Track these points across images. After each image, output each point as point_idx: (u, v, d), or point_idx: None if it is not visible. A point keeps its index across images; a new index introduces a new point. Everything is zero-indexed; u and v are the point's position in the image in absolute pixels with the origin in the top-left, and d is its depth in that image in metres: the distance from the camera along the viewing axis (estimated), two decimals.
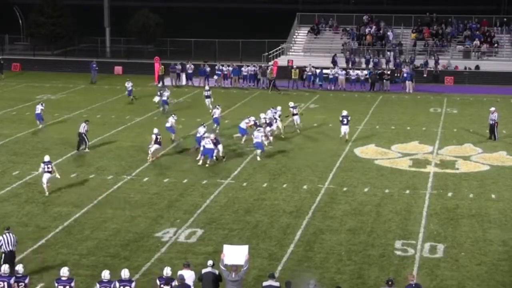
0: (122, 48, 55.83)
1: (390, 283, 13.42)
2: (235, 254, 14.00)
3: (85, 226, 18.94)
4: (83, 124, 26.78)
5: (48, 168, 21.37)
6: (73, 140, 28.36)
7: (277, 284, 13.57)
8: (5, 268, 13.53)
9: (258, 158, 25.37)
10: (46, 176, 21.34)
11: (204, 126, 26.25)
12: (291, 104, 30.59)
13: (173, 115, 28.75)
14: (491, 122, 29.23)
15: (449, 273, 16.14)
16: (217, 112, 29.88)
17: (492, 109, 29.77)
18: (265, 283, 13.57)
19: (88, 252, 17.12)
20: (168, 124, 27.97)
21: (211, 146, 24.46)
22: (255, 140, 25.49)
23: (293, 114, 30.09)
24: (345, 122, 28.23)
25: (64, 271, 13.49)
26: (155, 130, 25.51)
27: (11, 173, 23.65)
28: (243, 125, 27.58)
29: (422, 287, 13.77)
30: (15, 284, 13.47)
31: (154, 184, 22.66)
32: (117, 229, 18.69)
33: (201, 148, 24.88)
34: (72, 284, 13.43)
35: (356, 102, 38.13)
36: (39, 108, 30.62)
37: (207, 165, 24.50)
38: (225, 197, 21.44)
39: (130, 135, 29.49)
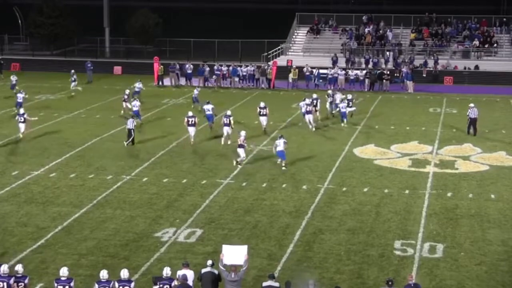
0: (121, 48, 55.82)
1: (390, 283, 13.41)
2: (234, 254, 14.00)
3: (84, 226, 18.94)
4: (131, 120, 27.63)
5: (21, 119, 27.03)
6: (73, 140, 28.39)
7: (277, 284, 13.56)
8: (5, 268, 13.52)
9: (284, 168, 24.12)
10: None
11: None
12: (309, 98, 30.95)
13: (136, 99, 31.46)
14: (472, 117, 29.70)
15: (448, 273, 16.14)
16: (210, 108, 29.96)
17: (471, 105, 30.37)
18: (265, 284, 13.56)
19: (88, 252, 17.12)
20: (135, 108, 30.49)
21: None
22: (278, 149, 24.28)
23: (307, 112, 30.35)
24: (262, 113, 29.37)
25: (64, 271, 13.48)
26: (189, 113, 27.67)
27: (10, 173, 23.64)
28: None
29: (421, 287, 13.78)
30: (15, 284, 13.46)
31: (154, 184, 22.66)
32: (117, 229, 18.69)
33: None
34: (72, 284, 13.42)
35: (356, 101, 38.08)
36: (20, 97, 31.60)
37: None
38: (224, 197, 21.44)
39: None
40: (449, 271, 16.27)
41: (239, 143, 24.34)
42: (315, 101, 31.65)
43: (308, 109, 30.48)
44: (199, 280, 13.98)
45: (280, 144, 24.24)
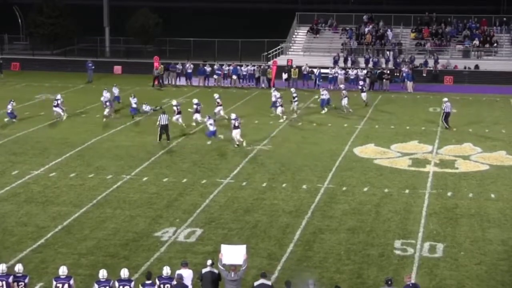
0: (121, 48, 55.82)
1: (389, 282, 13.41)
2: (233, 254, 13.99)
3: (84, 225, 18.93)
4: (166, 116, 28.06)
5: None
6: (72, 139, 28.37)
7: (269, 282, 13.56)
8: (3, 267, 13.52)
9: (220, 137, 26.91)
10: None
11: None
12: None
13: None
14: (447, 111, 30.60)
15: (448, 273, 16.14)
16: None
17: (445, 99, 31.17)
18: (256, 282, 13.52)
19: (88, 252, 17.11)
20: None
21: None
22: (211, 129, 26.84)
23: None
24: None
25: (63, 270, 13.49)
26: (174, 102, 29.92)
27: (10, 173, 23.64)
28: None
29: (420, 287, 13.78)
30: (15, 283, 13.46)
31: (154, 183, 22.65)
32: (117, 229, 18.69)
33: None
34: (71, 282, 13.43)
35: (356, 101, 38.07)
36: (9, 108, 31.28)
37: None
38: (224, 197, 21.44)
39: (130, 134, 29.47)
40: (449, 270, 16.27)
41: (234, 125, 26.55)
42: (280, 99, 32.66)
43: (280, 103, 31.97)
44: (199, 280, 13.98)
45: (211, 125, 26.52)
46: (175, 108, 29.88)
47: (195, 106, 30.72)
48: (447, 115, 30.86)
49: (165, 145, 27.40)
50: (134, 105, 32.52)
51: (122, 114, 33.39)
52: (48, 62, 51.15)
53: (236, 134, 27.08)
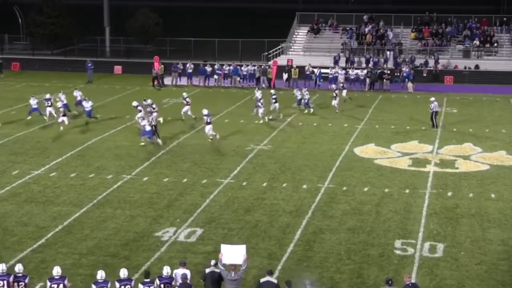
0: (121, 48, 55.83)
1: (390, 282, 13.42)
2: (233, 254, 14.00)
3: (84, 225, 18.94)
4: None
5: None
6: (73, 139, 28.37)
7: (275, 281, 13.60)
8: (3, 267, 13.53)
9: (142, 144, 26.83)
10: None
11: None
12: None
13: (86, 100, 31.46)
14: (435, 110, 30.92)
15: (448, 273, 16.14)
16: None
17: (432, 99, 31.41)
18: (262, 279, 13.59)
19: (88, 252, 17.12)
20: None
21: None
22: (147, 129, 26.96)
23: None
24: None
25: (57, 270, 13.47)
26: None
27: (10, 173, 23.65)
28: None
29: (419, 287, 13.78)
30: (15, 283, 13.46)
31: (154, 183, 22.65)
32: (117, 229, 18.69)
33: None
34: (65, 282, 13.42)
35: (356, 101, 38.12)
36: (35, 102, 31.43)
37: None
38: (224, 197, 21.44)
39: (130, 134, 29.47)
40: (449, 270, 16.27)
41: (206, 121, 27.62)
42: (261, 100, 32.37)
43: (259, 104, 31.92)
44: (203, 280, 13.98)
45: (146, 125, 26.72)
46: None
47: (146, 109, 30.14)
48: (435, 114, 31.06)
49: (130, 148, 26.94)
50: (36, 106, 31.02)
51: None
52: (48, 62, 51.17)
53: (208, 129, 27.87)
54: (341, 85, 38.13)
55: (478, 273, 16.15)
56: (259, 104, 31.99)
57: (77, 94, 33.97)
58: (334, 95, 34.34)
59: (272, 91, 35.07)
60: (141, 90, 40.15)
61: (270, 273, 13.76)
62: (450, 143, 28.41)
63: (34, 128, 30.45)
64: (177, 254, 16.90)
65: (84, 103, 31.74)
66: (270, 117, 32.31)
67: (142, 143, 27.04)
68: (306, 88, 36.40)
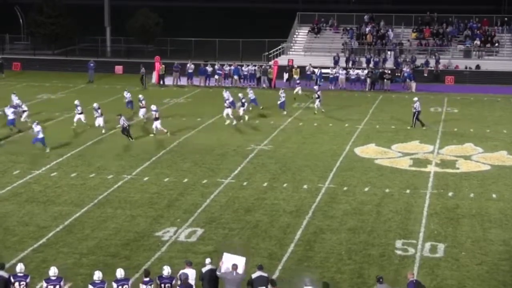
0: (122, 48, 55.83)
1: (381, 280, 13.56)
2: (232, 264, 14.03)
3: (85, 225, 18.94)
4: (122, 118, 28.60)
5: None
6: (73, 139, 28.36)
7: (266, 274, 13.74)
8: (21, 267, 13.65)
9: (47, 151, 26.10)
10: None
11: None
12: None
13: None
14: (413, 111, 31.07)
15: (449, 273, 16.13)
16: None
17: (415, 99, 31.68)
18: (254, 275, 13.65)
19: (89, 251, 17.12)
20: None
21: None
22: (39, 136, 26.24)
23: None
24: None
25: (54, 270, 13.45)
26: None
27: (11, 173, 23.65)
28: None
29: (422, 283, 13.78)
30: (16, 283, 13.46)
31: (154, 183, 22.65)
32: (117, 229, 18.69)
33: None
34: (62, 283, 13.41)
35: (357, 101, 38.13)
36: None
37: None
38: (225, 197, 21.43)
39: (147, 133, 29.35)
40: (450, 270, 16.26)
41: (155, 116, 28.66)
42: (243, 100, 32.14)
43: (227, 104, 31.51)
44: (200, 280, 13.99)
45: (38, 132, 26.13)
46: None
47: (95, 112, 29.82)
48: (417, 114, 31.14)
49: (130, 148, 27.03)
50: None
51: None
52: (49, 62, 51.18)
53: (157, 124, 28.90)
54: (315, 87, 37.02)
55: (479, 273, 16.14)
56: (226, 104, 31.45)
57: (14, 98, 32.01)
58: (316, 96, 33.97)
59: (240, 95, 32.74)
60: (142, 89, 40.06)
61: (261, 267, 13.87)
62: (450, 143, 28.40)
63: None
64: (178, 254, 16.90)
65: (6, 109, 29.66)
66: (241, 121, 31.47)
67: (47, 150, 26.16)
68: (250, 87, 36.19)
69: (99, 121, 29.42)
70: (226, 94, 32.78)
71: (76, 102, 30.84)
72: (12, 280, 13.48)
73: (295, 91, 36.56)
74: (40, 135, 26.18)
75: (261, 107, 34.25)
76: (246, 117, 31.87)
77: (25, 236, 18.07)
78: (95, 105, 30.12)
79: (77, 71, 47.83)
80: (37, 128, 26.37)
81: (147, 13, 56.09)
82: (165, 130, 28.93)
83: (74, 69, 48.96)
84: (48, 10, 54.01)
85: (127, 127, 28.22)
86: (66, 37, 54.48)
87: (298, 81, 39.96)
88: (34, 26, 54.43)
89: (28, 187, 22.14)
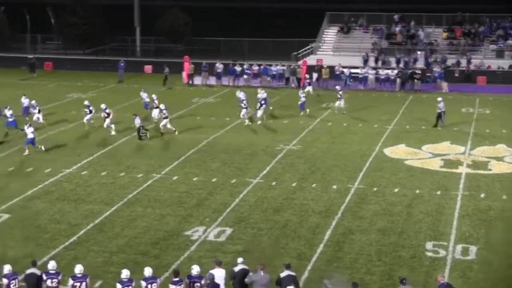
0: (151, 48, 56.21)
1: (404, 281, 13.42)
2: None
3: (115, 224, 19.10)
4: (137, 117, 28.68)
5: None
6: (104, 138, 28.62)
7: (294, 273, 13.71)
8: (53, 264, 13.85)
9: (42, 148, 26.23)
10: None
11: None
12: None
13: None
14: (438, 111, 30.83)
15: (481, 276, 15.88)
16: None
17: (439, 99, 31.37)
18: (283, 274, 13.61)
19: (119, 250, 17.25)
20: None
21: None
22: (29, 137, 25.92)
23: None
24: (88, 112, 29.91)
25: (80, 268, 13.59)
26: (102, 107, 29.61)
27: (43, 171, 23.95)
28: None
29: (453, 286, 13.59)
30: (48, 280, 13.62)
31: (183, 182, 22.74)
32: (147, 227, 18.80)
33: None
34: (87, 281, 13.53)
35: (386, 101, 37.81)
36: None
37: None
38: (254, 196, 21.42)
39: (159, 134, 29.61)
40: (482, 273, 16.01)
41: (164, 116, 29.08)
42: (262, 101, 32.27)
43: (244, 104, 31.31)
44: (232, 279, 13.98)
45: (28, 132, 25.81)
46: (104, 113, 29.47)
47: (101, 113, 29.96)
48: (443, 114, 30.83)
49: (159, 148, 27.13)
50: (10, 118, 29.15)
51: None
52: (80, 61, 51.78)
53: (165, 123, 29.22)
54: (337, 87, 36.60)
55: None
56: (242, 105, 31.29)
57: (25, 100, 32.39)
58: (339, 96, 33.72)
59: (241, 94, 32.66)
60: (170, 89, 40.28)
61: (289, 267, 13.86)
62: (482, 144, 27.97)
63: (66, 127, 30.76)
64: (207, 253, 16.94)
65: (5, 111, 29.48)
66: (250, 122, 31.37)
67: (26, 152, 25.88)
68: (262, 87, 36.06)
69: (107, 122, 29.42)
70: (241, 95, 32.61)
71: (86, 102, 30.99)
72: (44, 277, 13.65)
73: (305, 90, 36.15)
74: (30, 136, 25.84)
75: (270, 107, 34.11)
76: (264, 117, 31.84)
77: (57, 233, 18.29)
78: (102, 106, 30.15)
79: (107, 70, 48.30)
80: (29, 129, 26.02)
81: (176, 13, 56.38)
82: (173, 129, 29.12)
83: (104, 68, 49.45)
84: (80, 10, 54.66)
85: (140, 128, 28.35)
86: (97, 37, 55.04)
87: (308, 81, 39.83)
88: (66, 26, 55.11)
89: (60, 186, 22.41)
